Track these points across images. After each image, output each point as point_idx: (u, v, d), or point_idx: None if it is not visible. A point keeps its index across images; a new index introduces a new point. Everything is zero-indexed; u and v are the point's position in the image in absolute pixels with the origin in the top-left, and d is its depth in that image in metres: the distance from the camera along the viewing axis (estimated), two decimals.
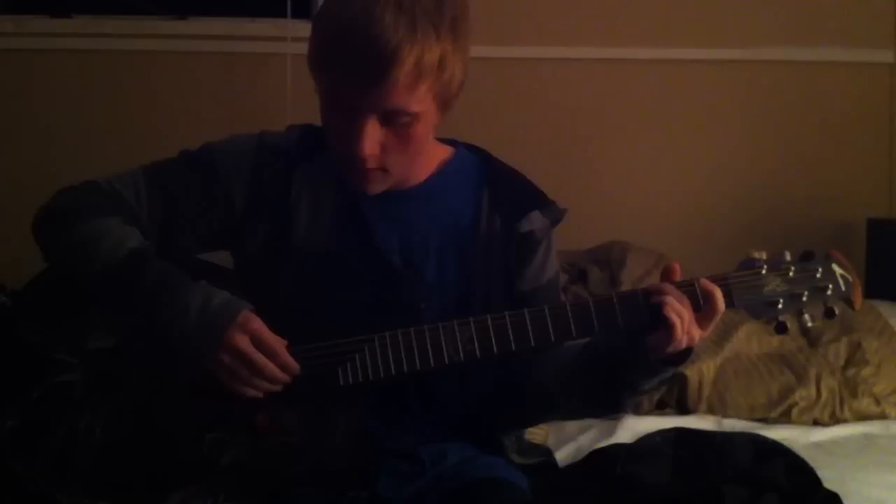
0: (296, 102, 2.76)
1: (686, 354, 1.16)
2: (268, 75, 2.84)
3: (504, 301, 1.28)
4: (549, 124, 3.00)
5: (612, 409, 1.26)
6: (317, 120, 1.39)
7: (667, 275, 1.17)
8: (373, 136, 1.16)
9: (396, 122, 1.16)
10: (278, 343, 1.14)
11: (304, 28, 2.87)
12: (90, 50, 2.86)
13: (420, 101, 1.16)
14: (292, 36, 2.82)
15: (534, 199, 1.35)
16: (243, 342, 1.13)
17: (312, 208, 1.29)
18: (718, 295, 1.14)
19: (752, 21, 3.04)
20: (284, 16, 2.87)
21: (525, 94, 3.00)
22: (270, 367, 1.14)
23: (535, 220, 1.32)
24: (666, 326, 1.12)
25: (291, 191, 1.29)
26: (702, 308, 1.14)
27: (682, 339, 1.12)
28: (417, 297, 1.28)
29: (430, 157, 1.34)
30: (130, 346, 1.20)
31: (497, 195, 1.34)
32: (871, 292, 2.52)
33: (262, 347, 1.13)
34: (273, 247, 1.28)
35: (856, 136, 3.11)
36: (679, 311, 1.12)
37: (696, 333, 1.14)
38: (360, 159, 1.17)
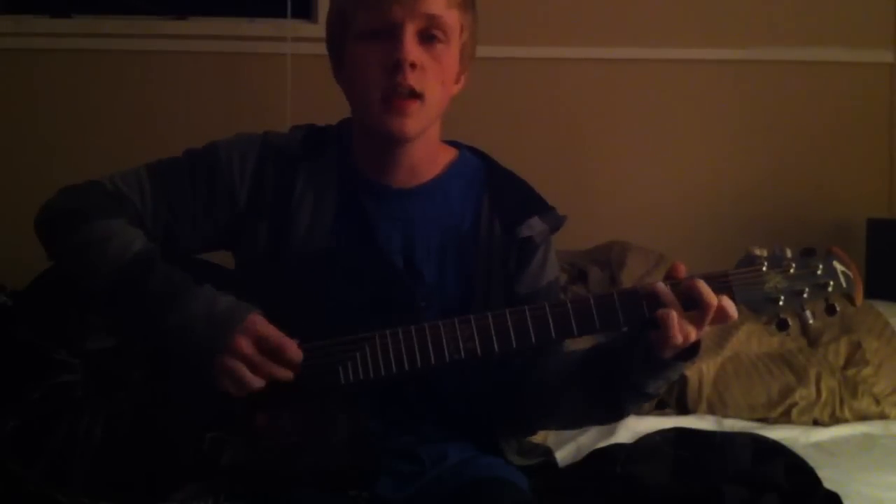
0: (296, 102, 2.76)
1: (692, 353, 1.15)
2: (268, 75, 2.85)
3: (504, 304, 1.28)
4: (548, 124, 3.00)
5: (616, 413, 1.24)
6: (317, 120, 1.40)
7: (671, 275, 1.17)
8: (413, 45, 1.21)
9: (432, 37, 1.23)
10: (283, 340, 1.14)
11: (304, 28, 2.88)
12: (90, 50, 2.86)
13: (454, 19, 1.25)
14: (292, 36, 2.83)
15: (533, 204, 1.35)
16: (247, 346, 1.13)
17: (315, 207, 1.29)
18: (703, 289, 1.12)
19: (752, 21, 3.04)
20: (284, 16, 2.87)
21: (525, 93, 3.00)
22: (275, 369, 1.14)
23: (534, 226, 1.33)
24: (658, 327, 1.11)
25: (295, 190, 1.29)
26: (694, 306, 1.13)
27: (677, 336, 1.11)
28: (417, 296, 1.28)
29: (435, 156, 1.34)
30: (132, 348, 1.20)
31: (497, 199, 1.34)
32: (871, 292, 2.52)
33: (267, 348, 1.14)
34: (275, 246, 1.28)
35: (856, 136, 3.11)
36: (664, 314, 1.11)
37: (691, 332, 1.13)
38: (401, 72, 1.20)
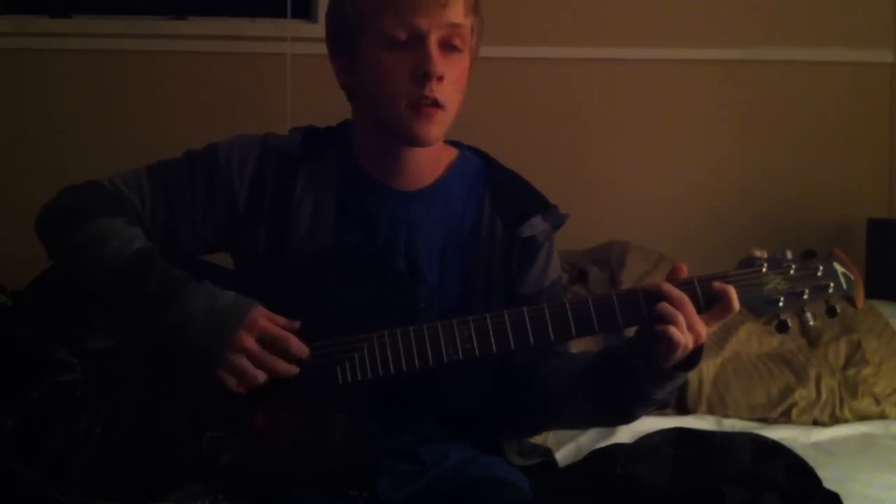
0: (296, 102, 2.76)
1: (697, 356, 1.15)
2: (268, 75, 2.84)
3: (505, 304, 1.28)
4: (548, 124, 3.00)
5: (624, 417, 1.24)
6: (317, 120, 1.40)
7: (673, 276, 1.17)
8: (438, 57, 1.22)
9: (451, 46, 1.24)
10: (286, 334, 1.15)
11: (304, 28, 2.88)
12: (90, 50, 2.85)
13: (469, 25, 1.27)
14: (292, 36, 2.82)
15: (535, 203, 1.36)
16: (250, 342, 1.13)
17: (315, 209, 1.30)
18: (732, 293, 1.13)
19: (752, 21, 3.04)
20: (284, 16, 2.87)
21: (525, 93, 3.00)
22: (279, 364, 1.14)
23: (536, 225, 1.33)
24: (663, 337, 1.11)
25: (295, 192, 1.29)
26: (708, 307, 1.13)
27: (684, 341, 1.11)
28: (418, 297, 1.28)
29: (439, 157, 1.34)
30: (132, 347, 1.20)
31: (499, 199, 1.34)
32: (871, 292, 2.50)
33: (270, 343, 1.14)
34: (274, 248, 1.29)
35: (856, 136, 3.11)
36: (672, 317, 1.11)
37: (702, 331, 1.13)
38: (429, 85, 1.21)
